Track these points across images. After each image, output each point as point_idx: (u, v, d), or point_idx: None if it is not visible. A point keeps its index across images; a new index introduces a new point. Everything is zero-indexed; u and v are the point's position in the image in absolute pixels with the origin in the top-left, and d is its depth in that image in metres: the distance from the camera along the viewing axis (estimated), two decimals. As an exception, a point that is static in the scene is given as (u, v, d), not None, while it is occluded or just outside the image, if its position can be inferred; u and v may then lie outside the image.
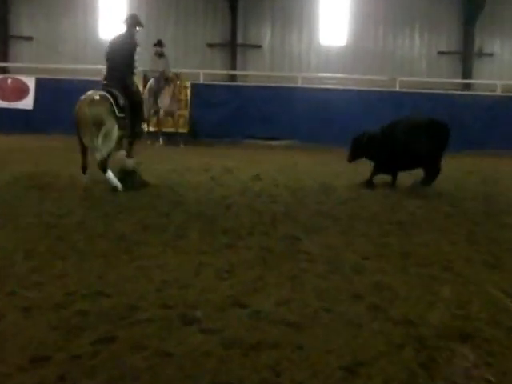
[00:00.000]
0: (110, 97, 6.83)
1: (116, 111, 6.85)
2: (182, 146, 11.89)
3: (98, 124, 6.67)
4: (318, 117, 12.16)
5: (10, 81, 11.80)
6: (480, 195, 7.89)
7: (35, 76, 11.67)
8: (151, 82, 11.35)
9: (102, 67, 7.62)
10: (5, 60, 13.48)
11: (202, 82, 12.73)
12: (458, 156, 11.55)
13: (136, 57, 7.07)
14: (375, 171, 7.92)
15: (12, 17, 13.93)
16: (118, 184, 6.89)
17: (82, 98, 6.83)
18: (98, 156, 6.80)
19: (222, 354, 2.70)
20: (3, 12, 13.73)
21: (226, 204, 6.48)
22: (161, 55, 11.28)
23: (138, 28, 7.27)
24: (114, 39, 7.23)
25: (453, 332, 3.06)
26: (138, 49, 7.11)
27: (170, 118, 12.02)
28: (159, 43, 11.50)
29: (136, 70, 7.18)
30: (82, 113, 6.70)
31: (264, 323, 3.08)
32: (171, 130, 12.07)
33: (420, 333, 3.04)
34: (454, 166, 9.57)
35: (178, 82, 11.65)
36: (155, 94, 11.32)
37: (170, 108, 11.68)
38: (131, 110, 7.09)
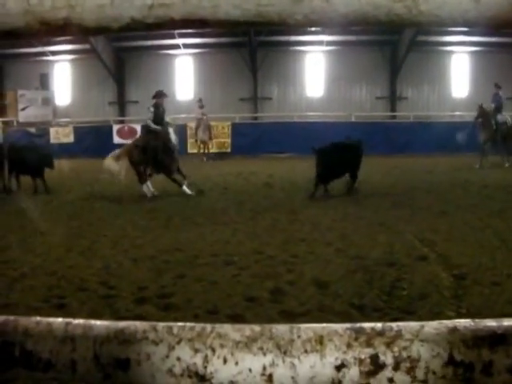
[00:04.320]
0: None
1: None
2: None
3: None
4: (306, 138, 17.46)
5: (126, 128, 20.80)
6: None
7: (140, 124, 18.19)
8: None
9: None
10: (123, 115, 23.83)
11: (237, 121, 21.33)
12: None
13: None
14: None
15: (126, 88, 24.07)
16: None
17: None
18: None
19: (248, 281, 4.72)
20: (123, 86, 23.94)
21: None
22: (201, 107, 19.03)
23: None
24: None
25: (384, 262, 5.12)
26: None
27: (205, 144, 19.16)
28: (200, 100, 19.31)
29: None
30: None
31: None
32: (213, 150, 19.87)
33: (366, 263, 5.10)
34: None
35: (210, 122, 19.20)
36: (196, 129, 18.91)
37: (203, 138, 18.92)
38: None
